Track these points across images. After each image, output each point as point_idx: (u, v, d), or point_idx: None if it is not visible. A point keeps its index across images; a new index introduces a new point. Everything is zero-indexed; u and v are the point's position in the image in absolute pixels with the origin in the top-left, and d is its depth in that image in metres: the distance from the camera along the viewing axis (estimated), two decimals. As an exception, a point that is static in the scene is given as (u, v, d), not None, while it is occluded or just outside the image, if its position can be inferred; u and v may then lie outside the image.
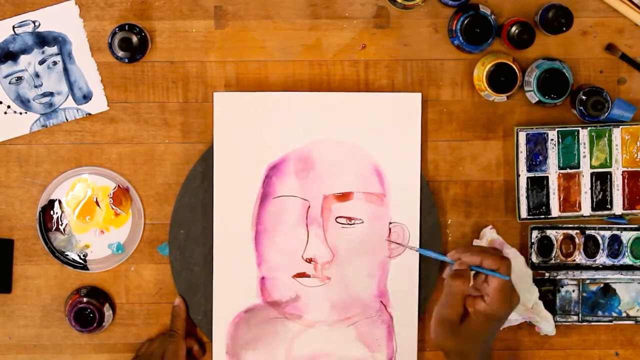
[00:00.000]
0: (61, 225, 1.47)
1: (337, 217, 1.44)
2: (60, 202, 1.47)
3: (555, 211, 1.46)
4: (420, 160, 1.44)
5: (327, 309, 1.45)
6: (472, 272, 1.29)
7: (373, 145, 1.44)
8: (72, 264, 1.47)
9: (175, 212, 1.46)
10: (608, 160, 1.46)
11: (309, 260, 1.44)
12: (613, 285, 1.48)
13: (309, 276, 1.44)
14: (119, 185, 1.46)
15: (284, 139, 1.44)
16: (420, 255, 1.45)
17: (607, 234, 1.47)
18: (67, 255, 1.47)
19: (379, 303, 1.45)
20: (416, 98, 1.43)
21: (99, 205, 1.47)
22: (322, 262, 1.44)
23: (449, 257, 1.31)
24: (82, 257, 1.48)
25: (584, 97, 1.42)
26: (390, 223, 1.44)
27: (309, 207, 1.44)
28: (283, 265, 1.44)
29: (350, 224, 1.44)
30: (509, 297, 1.27)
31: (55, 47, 1.45)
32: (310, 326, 1.45)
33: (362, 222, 1.44)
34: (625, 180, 1.46)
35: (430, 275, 1.46)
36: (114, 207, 1.47)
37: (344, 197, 1.44)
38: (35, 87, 1.46)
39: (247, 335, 1.45)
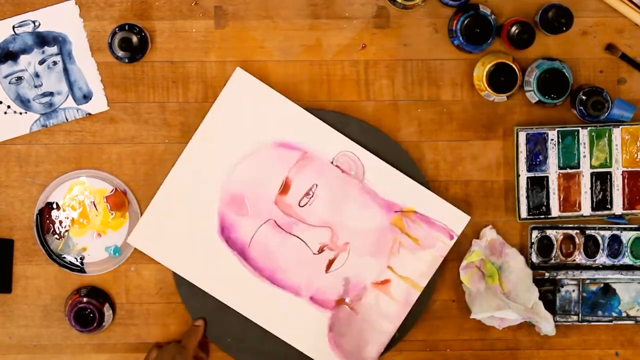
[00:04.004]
0: (58, 228, 1.47)
1: (299, 203, 1.44)
2: (57, 205, 1.47)
3: (555, 211, 1.46)
4: (290, 100, 1.44)
5: (372, 261, 1.45)
6: None
7: (256, 134, 1.44)
8: (70, 266, 1.47)
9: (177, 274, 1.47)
10: (608, 160, 1.46)
11: (321, 250, 1.45)
12: (613, 285, 1.48)
13: (334, 258, 1.45)
14: (116, 188, 1.46)
15: (204, 206, 1.44)
16: (388, 158, 1.44)
17: (607, 234, 1.47)
18: (64, 258, 1.47)
19: (395, 214, 1.45)
20: (239, 73, 1.43)
21: (96, 208, 1.47)
22: (330, 240, 1.44)
23: None
24: (79, 260, 1.47)
25: (584, 97, 1.42)
26: (332, 162, 1.44)
27: (275, 221, 1.44)
28: (312, 274, 1.45)
29: (312, 196, 1.44)
30: None
31: (55, 47, 1.45)
32: (379, 284, 1.45)
33: (317, 185, 1.44)
34: (625, 180, 1.46)
35: (415, 177, 1.46)
36: (111, 210, 1.47)
37: (285, 187, 1.44)
38: (35, 87, 1.45)
39: (351, 342, 1.46)
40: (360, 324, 1.45)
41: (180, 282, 1.47)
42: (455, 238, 1.45)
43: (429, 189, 1.45)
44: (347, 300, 1.46)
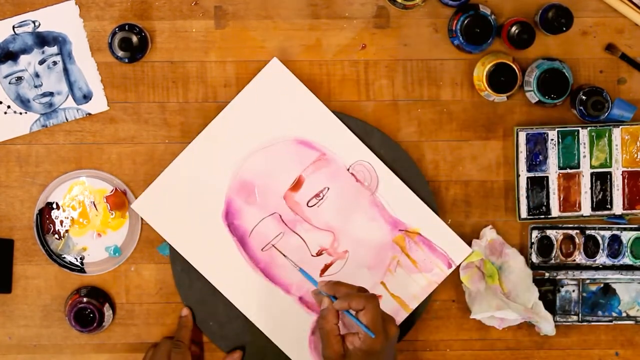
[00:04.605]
0: (58, 228, 1.47)
1: (307, 203, 1.44)
2: (57, 205, 1.47)
3: (555, 211, 1.46)
4: (321, 102, 1.44)
5: (367, 274, 1.45)
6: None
7: (279, 127, 1.44)
8: (70, 267, 1.47)
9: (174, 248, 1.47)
10: (608, 160, 1.46)
11: (319, 253, 1.45)
12: (613, 285, 1.48)
13: (331, 264, 1.45)
14: (116, 188, 1.46)
15: (213, 187, 1.44)
16: (397, 169, 1.45)
17: (607, 234, 1.47)
18: (64, 258, 1.47)
19: (399, 232, 1.45)
20: (275, 64, 1.43)
21: (96, 208, 1.47)
22: (330, 245, 1.44)
23: (319, 287, 1.35)
24: (79, 260, 1.47)
25: (584, 97, 1.42)
26: (348, 169, 1.45)
27: (280, 216, 1.44)
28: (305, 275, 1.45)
29: (321, 198, 1.44)
30: (383, 330, 1.29)
31: (55, 47, 1.45)
32: None
33: (329, 189, 1.45)
34: (625, 180, 1.46)
35: (428, 201, 1.45)
36: (111, 210, 1.47)
37: (297, 184, 1.44)
38: (35, 87, 1.45)
39: None
40: (343, 333, 1.45)
41: (175, 259, 1.46)
42: (454, 267, 1.45)
43: (435, 211, 1.45)
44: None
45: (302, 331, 1.45)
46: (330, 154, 1.45)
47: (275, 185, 1.44)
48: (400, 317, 1.46)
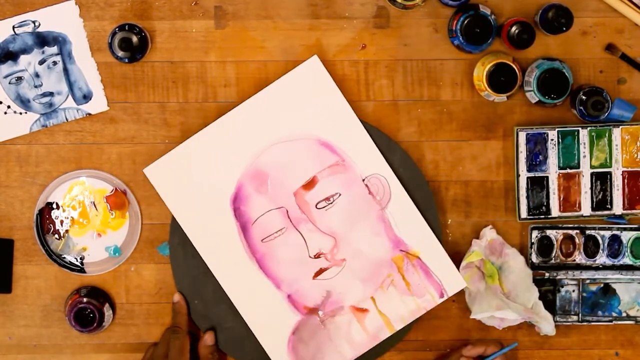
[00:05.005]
0: (58, 228, 1.47)
1: (316, 204, 1.44)
2: (57, 205, 1.47)
3: (555, 211, 1.46)
4: (352, 109, 1.44)
5: (360, 286, 1.45)
6: None
7: (304, 124, 1.44)
8: (70, 266, 1.47)
9: (175, 220, 1.46)
10: (608, 160, 1.46)
11: (317, 256, 1.45)
12: (613, 285, 1.48)
13: (326, 269, 1.45)
14: (116, 188, 1.46)
15: (228, 168, 1.44)
16: (410, 189, 1.45)
17: (607, 234, 1.47)
18: (64, 258, 1.47)
19: (400, 252, 1.45)
20: (314, 62, 1.43)
21: (96, 208, 1.47)
22: (329, 250, 1.44)
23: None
24: (79, 260, 1.47)
25: (584, 97, 1.42)
26: (363, 180, 1.45)
27: (287, 211, 1.44)
28: (299, 274, 1.44)
29: (331, 202, 1.44)
30: None
31: (55, 47, 1.45)
32: (356, 310, 1.46)
33: (340, 195, 1.44)
34: (625, 180, 1.46)
35: (428, 201, 1.46)
36: (111, 210, 1.47)
37: (310, 184, 1.44)
38: (35, 87, 1.46)
39: (308, 352, 1.45)
40: (323, 339, 1.46)
41: (175, 231, 1.46)
42: (445, 298, 1.45)
43: (436, 211, 1.46)
44: (320, 312, 1.46)
45: (284, 329, 1.45)
46: (349, 161, 1.45)
47: (289, 180, 1.44)
48: (383, 335, 1.46)
